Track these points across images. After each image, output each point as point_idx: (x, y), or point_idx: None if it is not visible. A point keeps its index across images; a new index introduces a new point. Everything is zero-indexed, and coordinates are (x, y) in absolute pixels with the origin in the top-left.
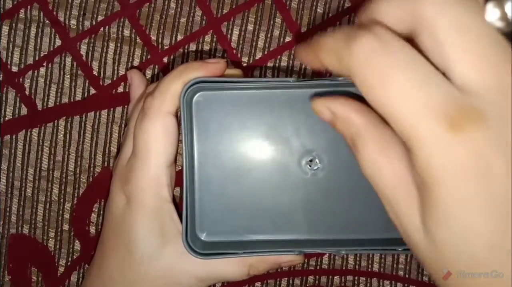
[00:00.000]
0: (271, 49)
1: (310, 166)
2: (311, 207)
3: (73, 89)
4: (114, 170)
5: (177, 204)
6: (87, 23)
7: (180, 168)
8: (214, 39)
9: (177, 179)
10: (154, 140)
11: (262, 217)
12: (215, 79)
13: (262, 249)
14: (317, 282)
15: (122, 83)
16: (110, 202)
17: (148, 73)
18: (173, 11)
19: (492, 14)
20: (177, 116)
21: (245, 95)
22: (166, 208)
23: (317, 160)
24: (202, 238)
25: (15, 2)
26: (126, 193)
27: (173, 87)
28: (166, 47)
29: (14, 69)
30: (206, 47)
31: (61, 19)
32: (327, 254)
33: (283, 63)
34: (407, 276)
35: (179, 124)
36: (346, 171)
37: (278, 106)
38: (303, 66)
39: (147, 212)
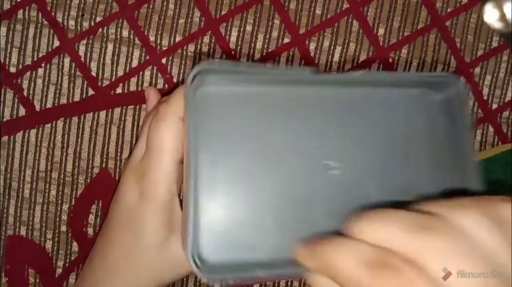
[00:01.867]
0: (269, 50)
1: (326, 175)
2: (328, 223)
3: (71, 90)
4: (126, 168)
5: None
6: (85, 24)
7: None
8: (213, 40)
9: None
10: (167, 140)
11: (271, 233)
12: (222, 67)
13: (270, 270)
14: None
15: (121, 84)
16: (121, 196)
17: (147, 73)
18: (172, 12)
19: (491, 15)
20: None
21: (256, 92)
22: (174, 201)
23: (334, 170)
24: (207, 256)
25: (13, 3)
26: (140, 187)
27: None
28: (164, 48)
29: (12, 70)
30: (205, 48)
31: (60, 20)
32: None
33: (282, 64)
34: None
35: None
36: (366, 182)
37: (291, 105)
38: (302, 65)
39: (159, 203)
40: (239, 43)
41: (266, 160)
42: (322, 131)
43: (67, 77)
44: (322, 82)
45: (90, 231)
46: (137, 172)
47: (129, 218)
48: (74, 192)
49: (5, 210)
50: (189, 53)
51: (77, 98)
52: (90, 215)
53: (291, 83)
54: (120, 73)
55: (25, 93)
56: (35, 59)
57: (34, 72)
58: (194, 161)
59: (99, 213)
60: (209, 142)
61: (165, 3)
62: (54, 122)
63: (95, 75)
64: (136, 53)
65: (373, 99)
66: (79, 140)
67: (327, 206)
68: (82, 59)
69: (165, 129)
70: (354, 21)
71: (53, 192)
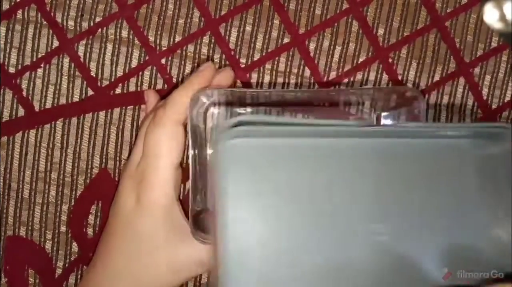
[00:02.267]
0: (269, 50)
1: (371, 241)
2: None
3: (70, 90)
4: (123, 173)
5: (180, 201)
6: (85, 24)
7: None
8: (212, 40)
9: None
10: (164, 144)
11: None
12: (260, 119)
13: None
14: None
15: (120, 84)
16: (119, 201)
17: (146, 74)
18: (171, 12)
19: (491, 15)
20: (184, 126)
21: (296, 145)
22: (172, 205)
23: (381, 236)
24: None
25: (12, 3)
26: (137, 193)
27: (182, 100)
28: (164, 48)
29: (12, 70)
30: (204, 49)
31: (59, 20)
32: None
33: (281, 65)
34: None
35: (186, 132)
36: (415, 248)
37: (334, 156)
38: (302, 68)
39: (156, 207)
40: (239, 43)
41: (304, 219)
42: (366, 188)
43: (66, 77)
44: (370, 134)
45: (89, 231)
46: (134, 177)
47: (127, 225)
48: (73, 192)
49: (4, 211)
50: (188, 53)
51: (76, 98)
52: (90, 216)
53: (336, 135)
54: (120, 73)
55: (24, 93)
56: (34, 59)
57: (33, 73)
58: (223, 227)
59: (99, 214)
60: (239, 199)
61: (164, 3)
62: (53, 122)
63: (94, 75)
64: (136, 53)
65: (420, 150)
66: (79, 140)
67: (371, 278)
68: (82, 59)
69: (161, 134)
70: (354, 21)
71: (53, 192)
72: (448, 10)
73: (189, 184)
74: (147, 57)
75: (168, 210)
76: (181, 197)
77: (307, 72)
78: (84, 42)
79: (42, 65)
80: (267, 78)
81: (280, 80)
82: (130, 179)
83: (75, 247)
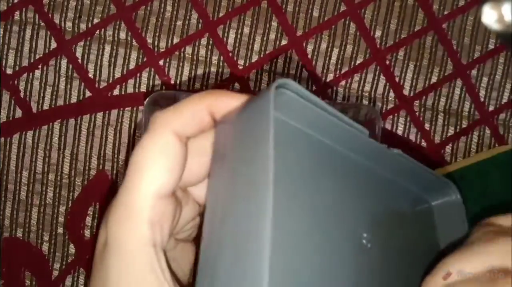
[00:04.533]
0: (267, 52)
1: (359, 246)
2: None
3: (68, 92)
4: None
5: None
6: (82, 26)
7: None
8: (210, 42)
9: None
10: (150, 158)
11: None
12: (303, 92)
13: None
14: None
15: (118, 85)
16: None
17: (144, 75)
18: (169, 14)
19: (489, 16)
20: (186, 145)
21: (317, 141)
22: (144, 253)
23: (367, 243)
24: None
25: (10, 4)
26: (106, 227)
27: (192, 106)
28: (162, 50)
29: (9, 71)
30: (202, 50)
31: (57, 21)
32: None
33: (279, 66)
34: None
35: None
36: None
37: (342, 163)
38: (299, 70)
39: (122, 255)
40: (237, 45)
41: (306, 216)
42: (360, 200)
43: (64, 78)
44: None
45: (87, 233)
46: (109, 204)
47: (97, 269)
48: (71, 194)
49: (1, 212)
50: (186, 55)
51: (74, 99)
52: (87, 217)
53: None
54: (118, 75)
55: (21, 94)
56: (32, 60)
57: (31, 74)
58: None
59: (96, 215)
60: (285, 200)
61: (162, 5)
62: (50, 123)
63: (92, 76)
64: (134, 55)
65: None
66: (76, 142)
67: (354, 277)
68: (79, 60)
69: (149, 144)
70: (351, 23)
71: (50, 194)
72: (445, 13)
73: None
74: (145, 59)
75: (137, 259)
76: None
77: (305, 73)
78: (82, 43)
79: (39, 66)
80: (265, 80)
81: None
82: (107, 208)
83: (72, 249)
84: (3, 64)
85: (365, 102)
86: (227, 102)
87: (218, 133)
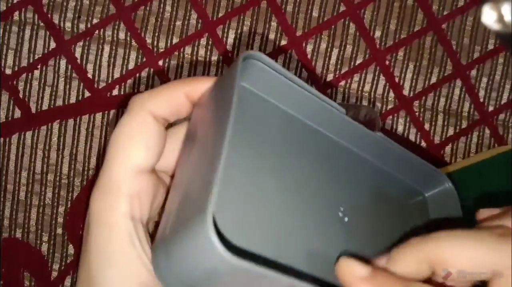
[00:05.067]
0: (266, 52)
1: (337, 220)
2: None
3: (67, 92)
4: None
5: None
6: (82, 26)
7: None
8: (210, 42)
9: None
10: (127, 135)
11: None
12: (272, 64)
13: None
14: None
15: (117, 86)
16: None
17: (143, 75)
18: (169, 14)
19: (489, 16)
20: (164, 126)
21: (289, 114)
22: (123, 226)
23: (344, 217)
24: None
25: (9, 4)
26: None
27: (170, 90)
28: (161, 50)
29: (8, 71)
30: (202, 50)
31: (56, 21)
32: None
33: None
34: None
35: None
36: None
37: (316, 138)
38: (299, 70)
39: (102, 227)
40: (236, 45)
41: (282, 186)
42: (337, 177)
43: (63, 79)
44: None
45: None
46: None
47: (83, 244)
48: (70, 194)
49: (0, 213)
50: (186, 55)
51: (73, 100)
52: (87, 218)
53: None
54: (117, 75)
55: (20, 95)
56: (31, 60)
57: (30, 74)
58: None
59: None
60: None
61: (162, 5)
62: (50, 124)
63: (91, 77)
64: (133, 55)
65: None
66: (75, 142)
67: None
68: (79, 61)
69: (126, 124)
70: (351, 24)
71: (49, 194)
72: (445, 13)
73: None
74: (144, 59)
75: (114, 232)
76: None
77: (304, 74)
78: (81, 43)
79: (38, 66)
80: None
81: None
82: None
83: (71, 249)
84: (2, 64)
85: (365, 102)
86: (205, 86)
87: (192, 115)
